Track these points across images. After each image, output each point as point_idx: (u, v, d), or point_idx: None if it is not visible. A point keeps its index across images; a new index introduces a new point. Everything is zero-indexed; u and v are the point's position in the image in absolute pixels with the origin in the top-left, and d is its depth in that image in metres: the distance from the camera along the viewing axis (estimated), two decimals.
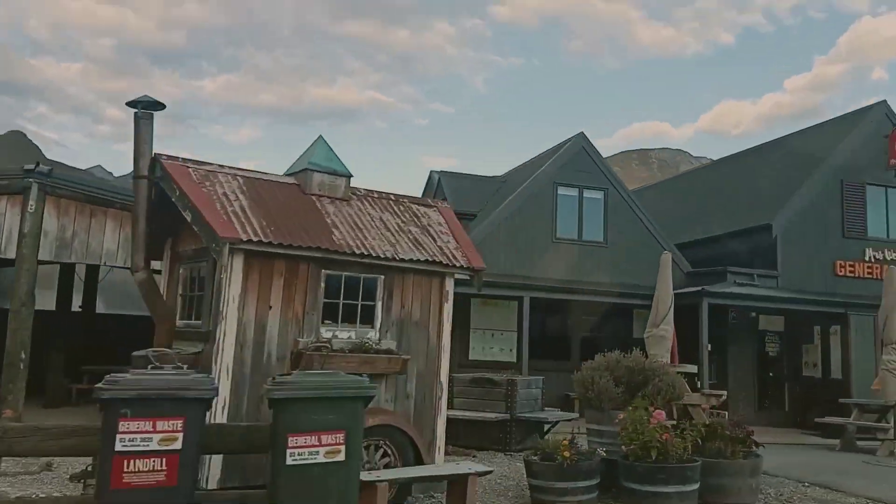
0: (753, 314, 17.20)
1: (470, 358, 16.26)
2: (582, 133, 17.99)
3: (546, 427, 11.33)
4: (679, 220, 22.03)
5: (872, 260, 18.16)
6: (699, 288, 14.66)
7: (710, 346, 16.71)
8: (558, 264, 17.22)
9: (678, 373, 12.30)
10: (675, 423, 8.19)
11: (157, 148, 6.89)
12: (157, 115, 6.81)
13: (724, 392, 12.19)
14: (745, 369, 17.02)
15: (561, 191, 17.61)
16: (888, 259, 18.27)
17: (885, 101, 19.34)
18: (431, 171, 21.07)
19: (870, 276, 18.06)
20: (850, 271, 17.94)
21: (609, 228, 17.82)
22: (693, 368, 12.57)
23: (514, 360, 16.55)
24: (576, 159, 17.81)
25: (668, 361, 12.47)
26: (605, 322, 17.49)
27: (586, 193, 17.81)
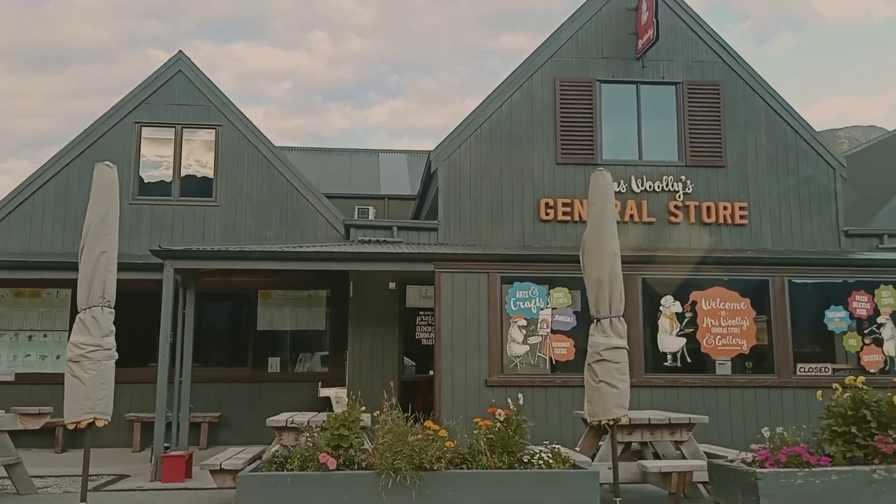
0: (392, 285, 11.69)
1: None
2: (180, 52, 13.25)
3: None
4: None
5: None
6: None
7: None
8: (137, 234, 12.66)
9: None
10: None
11: None
12: None
13: None
14: (381, 367, 11.55)
15: (147, 133, 13.01)
16: (638, 190, 12.05)
17: None
18: None
19: None
20: (565, 213, 11.91)
21: (222, 180, 12.97)
22: None
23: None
24: (171, 89, 13.13)
25: None
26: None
27: (188, 134, 13.09)
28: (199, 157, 13.12)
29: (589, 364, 5.63)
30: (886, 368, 9.74)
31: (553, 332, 9.47)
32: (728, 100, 12.47)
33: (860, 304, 9.73)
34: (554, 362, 9.50)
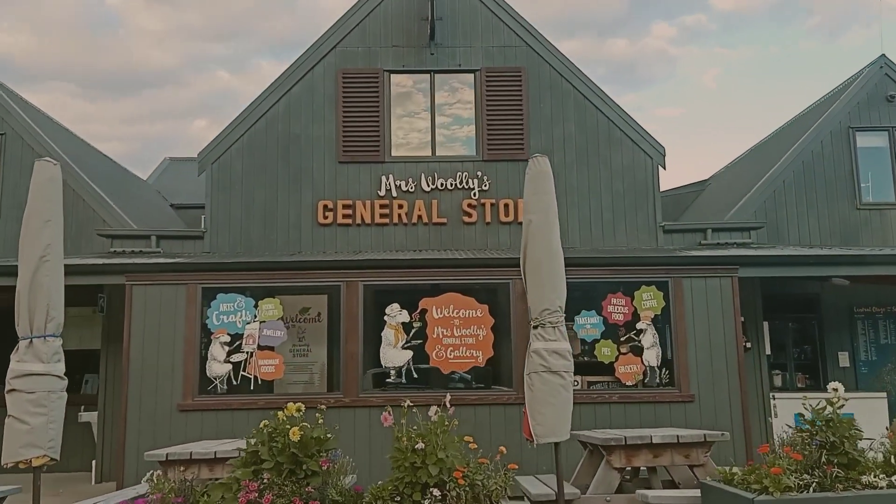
0: None
1: None
2: None
3: None
4: None
5: (396, 193, 10.93)
6: None
7: None
8: None
9: None
10: None
11: None
12: None
13: None
14: None
15: None
16: (429, 189, 10.97)
17: None
18: None
19: (386, 220, 10.89)
20: (346, 216, 10.87)
21: (6, 190, 12.16)
22: None
23: None
24: None
25: None
26: None
27: None
28: None
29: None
30: (647, 380, 8.46)
31: (260, 348, 8.40)
32: (532, 87, 11.34)
33: (616, 307, 8.49)
34: (259, 381, 8.43)
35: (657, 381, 8.39)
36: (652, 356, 8.39)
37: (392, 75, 11.36)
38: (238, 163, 11.03)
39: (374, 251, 10.65)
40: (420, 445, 3.88)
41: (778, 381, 11.81)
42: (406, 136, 11.28)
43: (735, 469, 4.39)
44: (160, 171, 20.25)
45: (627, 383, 8.39)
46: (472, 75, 11.38)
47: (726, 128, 55.48)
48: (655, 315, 8.49)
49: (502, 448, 4.56)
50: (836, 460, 3.98)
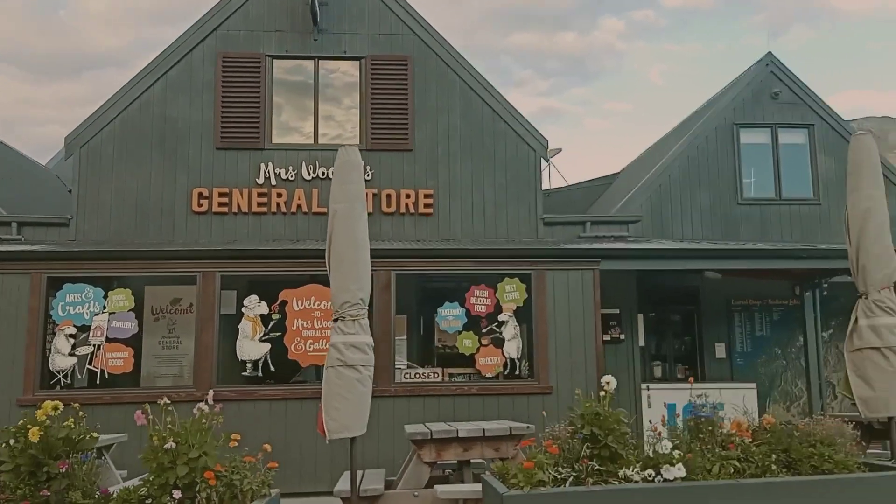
0: None
1: None
2: None
3: None
4: None
5: (275, 182, 10.68)
6: None
7: None
8: None
9: None
10: None
11: None
12: None
13: None
14: None
15: None
16: (310, 178, 10.75)
17: None
18: None
19: (264, 209, 10.63)
20: (222, 204, 10.56)
21: None
22: None
23: None
24: None
25: None
26: None
27: None
28: None
29: None
30: (507, 372, 8.50)
31: (109, 340, 8.09)
32: (418, 77, 11.23)
33: (479, 299, 8.49)
34: (107, 375, 8.12)
35: (517, 372, 8.44)
36: (513, 348, 8.43)
37: (275, 60, 11.08)
38: (110, 147, 10.60)
39: (251, 240, 10.40)
40: (170, 444, 3.74)
41: (658, 372, 12.08)
42: (287, 123, 11.04)
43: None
44: (62, 155, 19.42)
45: (488, 375, 8.42)
46: (358, 63, 11.20)
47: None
48: (518, 307, 8.53)
49: (266, 446, 4.46)
50: (600, 453, 4.02)
